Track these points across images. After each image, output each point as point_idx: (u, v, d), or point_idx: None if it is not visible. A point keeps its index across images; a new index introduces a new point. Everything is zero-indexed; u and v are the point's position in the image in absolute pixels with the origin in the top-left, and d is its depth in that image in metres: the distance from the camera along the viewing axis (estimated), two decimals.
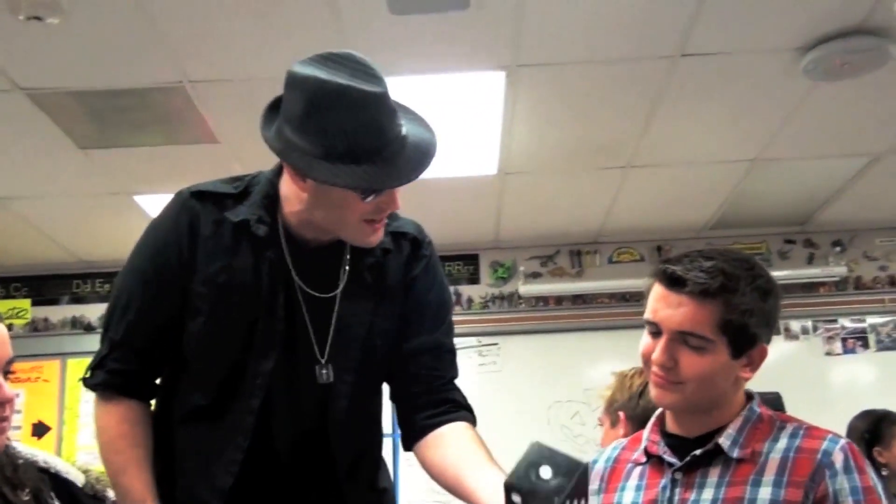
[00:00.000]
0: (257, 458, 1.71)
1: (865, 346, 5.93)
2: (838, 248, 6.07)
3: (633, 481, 1.70)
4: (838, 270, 5.96)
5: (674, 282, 1.60)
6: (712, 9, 3.40)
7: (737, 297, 1.58)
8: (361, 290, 1.76)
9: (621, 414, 2.69)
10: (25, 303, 6.21)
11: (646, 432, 1.75)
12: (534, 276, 6.14)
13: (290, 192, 1.70)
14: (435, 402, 1.79)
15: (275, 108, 1.66)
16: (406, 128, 1.62)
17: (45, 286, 6.25)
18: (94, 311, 6.15)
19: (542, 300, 6.13)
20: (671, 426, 1.70)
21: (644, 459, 1.71)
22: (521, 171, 4.92)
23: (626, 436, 2.61)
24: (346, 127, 1.53)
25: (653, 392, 1.66)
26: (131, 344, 1.74)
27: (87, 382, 1.78)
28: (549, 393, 5.85)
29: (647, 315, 1.65)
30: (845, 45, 3.60)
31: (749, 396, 1.68)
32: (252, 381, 1.69)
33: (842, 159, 4.96)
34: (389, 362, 1.81)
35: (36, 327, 6.15)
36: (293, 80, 1.59)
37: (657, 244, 6.14)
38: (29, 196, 5.03)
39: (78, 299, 6.24)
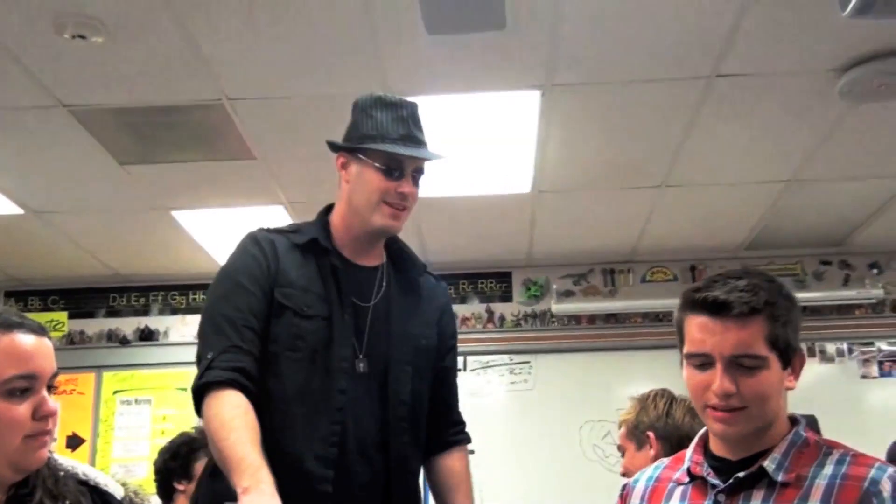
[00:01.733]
0: (343, 439, 1.98)
1: None
2: (875, 270, 6.02)
3: (674, 501, 1.69)
4: (875, 293, 5.90)
5: (718, 307, 1.57)
6: (748, 30, 3.40)
7: (776, 309, 1.59)
8: (406, 301, 2.15)
9: (650, 434, 2.70)
10: (62, 315, 6.30)
11: (689, 452, 1.73)
12: (566, 294, 6.13)
13: (338, 202, 2.15)
14: (450, 422, 2.24)
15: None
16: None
17: (82, 299, 6.35)
18: (130, 325, 6.23)
19: (575, 319, 6.11)
20: (715, 447, 1.69)
21: (687, 479, 1.70)
22: (555, 189, 4.93)
23: (657, 456, 2.61)
24: (380, 119, 2.06)
25: (714, 427, 1.62)
26: (239, 346, 1.95)
27: (200, 383, 1.92)
28: (580, 412, 5.83)
29: (693, 349, 1.61)
30: (882, 66, 3.58)
31: (794, 420, 1.67)
32: (338, 365, 2.00)
33: (879, 181, 4.92)
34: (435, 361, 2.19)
35: (72, 340, 6.23)
36: (353, 106, 2.13)
37: (691, 264, 6.12)
38: (69, 210, 5.11)
39: (114, 313, 6.33)
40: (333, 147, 2.15)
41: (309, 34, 3.40)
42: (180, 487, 3.35)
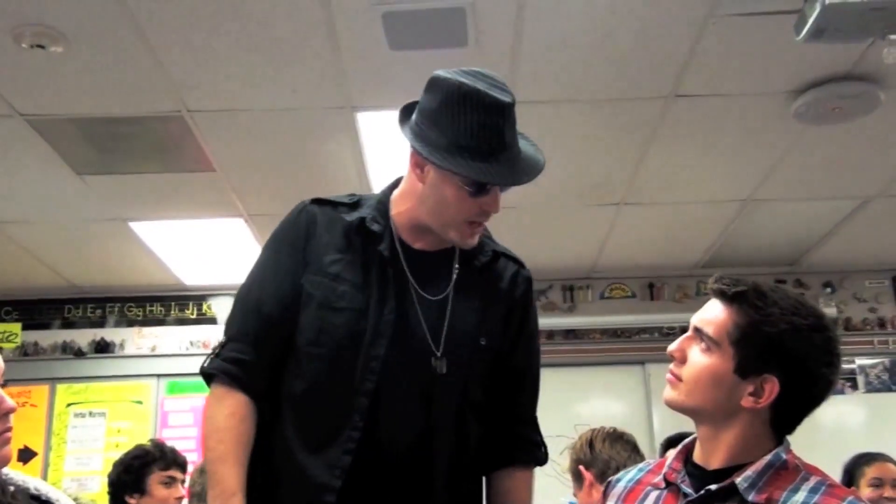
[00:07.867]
0: (365, 447, 1.76)
1: (854, 387, 5.95)
2: (828, 290, 6.11)
3: None
4: (828, 311, 5.94)
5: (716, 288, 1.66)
6: (706, 52, 3.45)
7: (755, 311, 1.57)
8: (470, 292, 1.90)
9: (581, 468, 2.81)
10: (16, 327, 6.20)
11: (669, 458, 1.72)
12: None
13: (406, 188, 1.87)
14: (513, 435, 1.99)
15: (407, 109, 1.85)
16: (521, 144, 1.83)
17: (37, 311, 6.25)
18: (85, 337, 6.15)
19: None
20: (695, 454, 1.68)
21: (663, 485, 1.69)
22: (515, 205, 4.95)
23: (591, 481, 2.71)
24: (472, 125, 1.72)
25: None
26: (247, 334, 1.83)
27: (204, 370, 1.85)
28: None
29: None
30: (836, 90, 3.66)
31: (779, 442, 1.64)
32: (365, 365, 1.78)
33: (832, 202, 5.01)
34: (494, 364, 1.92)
35: (26, 351, 6.13)
36: (435, 82, 1.77)
37: (649, 281, 6.18)
38: (25, 220, 5.04)
39: (69, 324, 6.23)
40: (415, 146, 1.78)
41: (271, 47, 3.40)
42: (132, 501, 3.31)
